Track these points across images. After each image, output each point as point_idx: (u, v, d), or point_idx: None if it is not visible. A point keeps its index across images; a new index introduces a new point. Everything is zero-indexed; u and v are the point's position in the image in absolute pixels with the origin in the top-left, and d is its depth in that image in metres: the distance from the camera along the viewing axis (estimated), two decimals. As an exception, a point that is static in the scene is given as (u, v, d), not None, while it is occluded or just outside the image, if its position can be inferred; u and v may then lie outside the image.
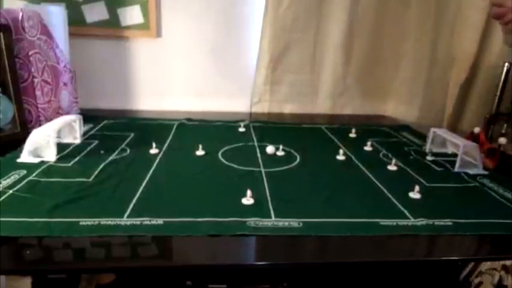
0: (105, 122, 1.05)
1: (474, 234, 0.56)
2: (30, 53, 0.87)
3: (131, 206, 0.59)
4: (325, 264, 0.56)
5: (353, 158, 0.86)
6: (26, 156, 0.74)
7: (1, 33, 0.79)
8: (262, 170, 0.76)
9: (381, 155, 0.89)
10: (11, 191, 0.61)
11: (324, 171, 0.79)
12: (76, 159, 0.76)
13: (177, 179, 0.70)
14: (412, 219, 0.59)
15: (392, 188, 0.70)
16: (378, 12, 1.20)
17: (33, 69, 0.88)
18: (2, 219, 0.52)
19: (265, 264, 0.52)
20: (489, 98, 1.23)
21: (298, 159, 0.84)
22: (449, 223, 0.58)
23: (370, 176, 0.76)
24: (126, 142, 0.88)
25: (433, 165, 0.84)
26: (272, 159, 0.83)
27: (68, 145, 0.84)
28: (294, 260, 0.52)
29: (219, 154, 0.84)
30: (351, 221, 0.58)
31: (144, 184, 0.67)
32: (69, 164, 0.74)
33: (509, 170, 0.81)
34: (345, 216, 0.59)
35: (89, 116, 1.02)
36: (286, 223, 0.56)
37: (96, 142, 0.87)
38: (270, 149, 0.86)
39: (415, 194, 0.67)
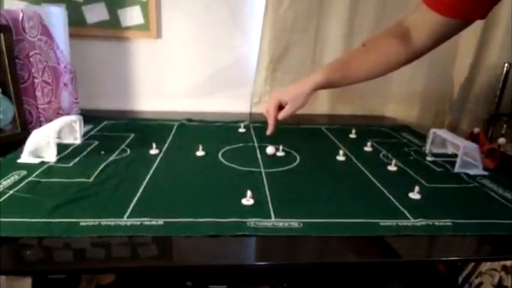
0: (105, 122, 1.05)
1: (474, 234, 0.56)
2: (30, 54, 0.87)
3: (131, 206, 0.59)
4: (325, 264, 0.56)
5: (353, 158, 0.86)
6: (26, 157, 0.74)
7: (1, 34, 0.79)
8: (262, 170, 0.76)
9: (381, 155, 0.89)
10: (11, 192, 0.61)
11: (324, 171, 0.79)
12: (76, 159, 0.77)
13: (177, 180, 0.70)
14: (412, 220, 0.59)
15: (392, 188, 0.70)
16: (378, 13, 1.20)
17: (33, 70, 0.88)
18: (2, 219, 0.52)
19: (265, 265, 0.52)
20: (489, 98, 1.24)
21: (298, 160, 0.84)
22: (449, 223, 0.58)
23: (370, 176, 0.76)
24: (126, 142, 0.88)
25: (433, 166, 0.84)
26: (272, 159, 0.84)
27: (68, 145, 0.84)
28: (294, 260, 0.52)
29: (219, 154, 0.84)
30: (351, 221, 0.58)
31: (144, 184, 0.67)
32: (70, 165, 0.74)
33: (509, 170, 0.81)
34: (344, 217, 0.59)
35: (89, 117, 1.02)
36: (286, 223, 0.56)
37: (96, 143, 0.87)
38: (270, 150, 0.86)
39: (415, 195, 0.67)
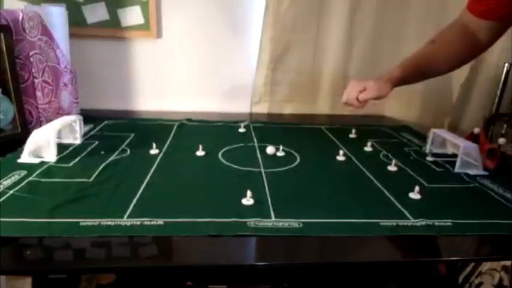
0: (105, 122, 1.05)
1: (474, 234, 0.56)
2: (30, 54, 0.87)
3: (131, 206, 0.59)
4: (325, 264, 0.57)
5: (353, 158, 0.86)
6: (26, 157, 0.74)
7: (2, 34, 0.79)
8: (263, 170, 0.76)
9: (381, 155, 0.89)
10: (11, 192, 0.61)
11: (324, 171, 0.79)
12: (76, 159, 0.77)
13: (177, 180, 0.70)
14: (412, 220, 0.59)
15: (392, 188, 0.70)
16: (379, 12, 1.20)
17: (33, 70, 0.88)
18: (2, 219, 0.52)
19: (265, 265, 0.52)
20: (489, 98, 1.23)
21: (298, 160, 0.84)
22: (449, 223, 0.58)
23: (370, 176, 0.76)
24: (126, 142, 0.88)
25: (433, 166, 0.84)
26: (272, 159, 0.84)
27: (68, 145, 0.84)
28: (294, 260, 0.52)
29: (219, 154, 0.84)
30: (351, 221, 0.58)
31: (144, 184, 0.67)
32: (70, 165, 0.74)
33: (509, 170, 0.81)
34: (345, 217, 0.59)
35: (89, 117, 1.01)
36: (286, 223, 0.56)
37: (96, 142, 0.87)
38: (270, 150, 0.86)
39: (415, 195, 0.67)
